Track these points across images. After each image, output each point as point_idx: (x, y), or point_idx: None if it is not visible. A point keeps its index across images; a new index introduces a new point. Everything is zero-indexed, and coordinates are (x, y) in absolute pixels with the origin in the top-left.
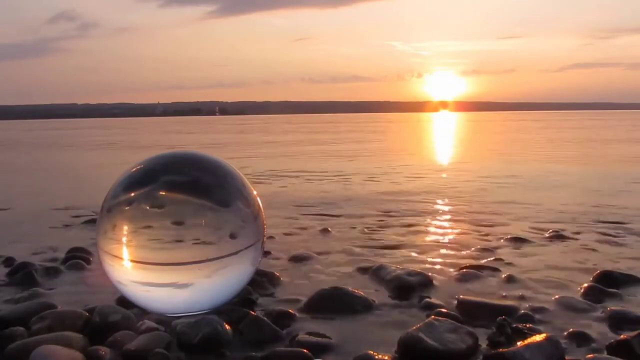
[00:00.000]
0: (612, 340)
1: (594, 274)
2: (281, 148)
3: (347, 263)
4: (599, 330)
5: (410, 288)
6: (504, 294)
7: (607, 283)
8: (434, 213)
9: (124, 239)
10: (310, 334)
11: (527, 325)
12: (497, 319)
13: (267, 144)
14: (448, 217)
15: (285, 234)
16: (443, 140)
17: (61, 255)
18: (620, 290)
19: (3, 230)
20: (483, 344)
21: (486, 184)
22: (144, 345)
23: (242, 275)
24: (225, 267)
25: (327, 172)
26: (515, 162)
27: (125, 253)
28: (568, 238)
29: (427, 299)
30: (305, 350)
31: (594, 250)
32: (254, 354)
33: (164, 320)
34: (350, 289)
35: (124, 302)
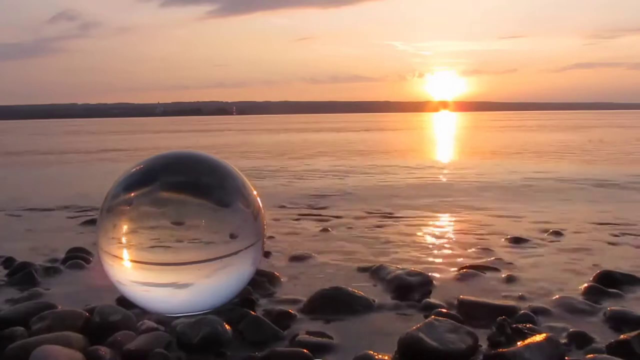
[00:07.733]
0: (612, 340)
1: (594, 274)
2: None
3: (347, 263)
4: (599, 330)
5: (410, 288)
6: (504, 294)
7: (607, 283)
8: (435, 213)
9: (124, 239)
10: (310, 333)
11: (527, 325)
12: (497, 319)
13: None
14: (448, 216)
15: (286, 234)
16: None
17: (61, 255)
18: (620, 290)
19: (3, 230)
20: (483, 344)
21: (486, 184)
22: (144, 345)
23: (242, 275)
24: (225, 267)
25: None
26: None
27: (125, 253)
28: (568, 238)
29: (427, 299)
30: (305, 350)
31: (594, 250)
32: (254, 354)
33: (164, 320)
34: (350, 289)
35: (124, 302)
